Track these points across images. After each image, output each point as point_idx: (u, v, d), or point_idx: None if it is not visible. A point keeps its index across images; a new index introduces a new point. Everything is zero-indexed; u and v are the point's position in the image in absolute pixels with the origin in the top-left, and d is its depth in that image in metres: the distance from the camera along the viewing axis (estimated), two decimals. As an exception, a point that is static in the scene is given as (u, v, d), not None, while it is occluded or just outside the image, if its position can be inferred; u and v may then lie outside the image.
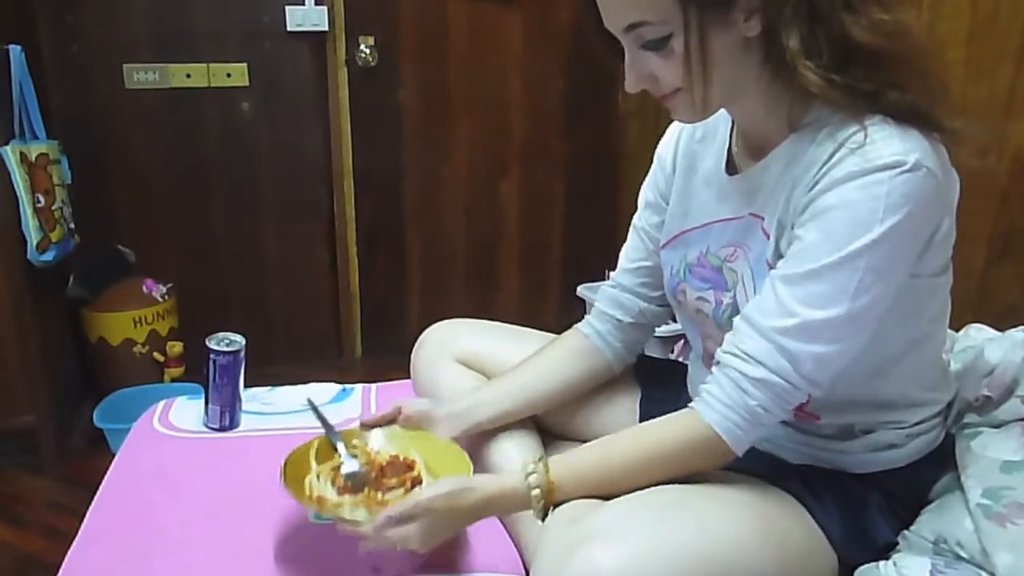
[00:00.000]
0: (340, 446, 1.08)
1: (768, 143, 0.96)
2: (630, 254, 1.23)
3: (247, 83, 2.66)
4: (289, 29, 2.62)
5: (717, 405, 0.89)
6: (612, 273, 1.26)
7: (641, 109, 2.94)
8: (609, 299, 1.23)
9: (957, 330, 1.22)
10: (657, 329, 1.27)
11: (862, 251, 0.83)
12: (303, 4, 2.61)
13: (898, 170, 0.82)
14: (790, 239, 0.90)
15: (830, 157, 0.86)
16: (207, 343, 1.35)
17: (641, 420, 1.22)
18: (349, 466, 1.06)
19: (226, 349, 1.34)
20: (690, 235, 1.08)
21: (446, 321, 1.39)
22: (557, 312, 3.18)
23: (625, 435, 0.97)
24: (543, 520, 0.94)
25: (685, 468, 0.94)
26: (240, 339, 1.37)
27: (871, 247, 0.82)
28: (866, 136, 0.83)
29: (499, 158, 3.00)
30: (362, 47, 2.72)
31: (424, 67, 2.87)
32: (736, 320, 0.92)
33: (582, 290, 2.83)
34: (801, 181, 0.89)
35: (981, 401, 1.02)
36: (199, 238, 2.76)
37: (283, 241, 2.84)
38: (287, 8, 2.60)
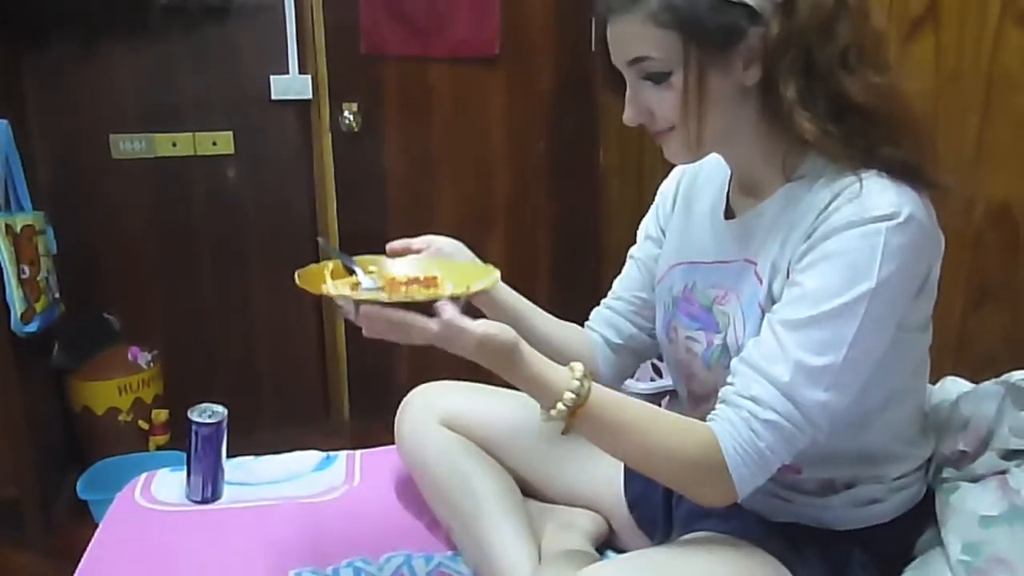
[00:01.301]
0: (357, 268, 1.01)
1: (763, 191, 0.99)
2: (625, 282, 1.24)
3: (232, 150, 2.69)
4: (274, 98, 2.67)
5: (729, 439, 0.87)
6: (604, 299, 1.27)
7: (623, 167, 2.99)
8: (601, 319, 1.24)
9: (934, 382, 1.23)
10: (642, 386, 1.28)
11: (861, 299, 0.85)
12: (287, 73, 2.66)
13: (894, 222, 0.85)
14: (784, 284, 0.92)
15: (827, 206, 0.89)
16: (189, 415, 1.34)
17: (626, 482, 1.22)
18: (367, 284, 0.98)
19: (208, 421, 1.34)
20: (679, 269, 1.10)
21: (430, 383, 1.39)
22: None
23: (644, 415, 0.93)
24: (545, 420, 0.91)
25: (681, 480, 0.93)
26: (222, 410, 1.37)
27: (869, 296, 0.85)
28: (862, 187, 0.87)
29: (483, 217, 3.03)
30: (346, 113, 2.76)
31: (408, 130, 2.91)
32: (737, 364, 0.92)
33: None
34: (797, 227, 0.92)
35: (957, 455, 1.02)
36: (185, 303, 2.76)
37: (270, 305, 2.84)
38: (272, 78, 2.65)
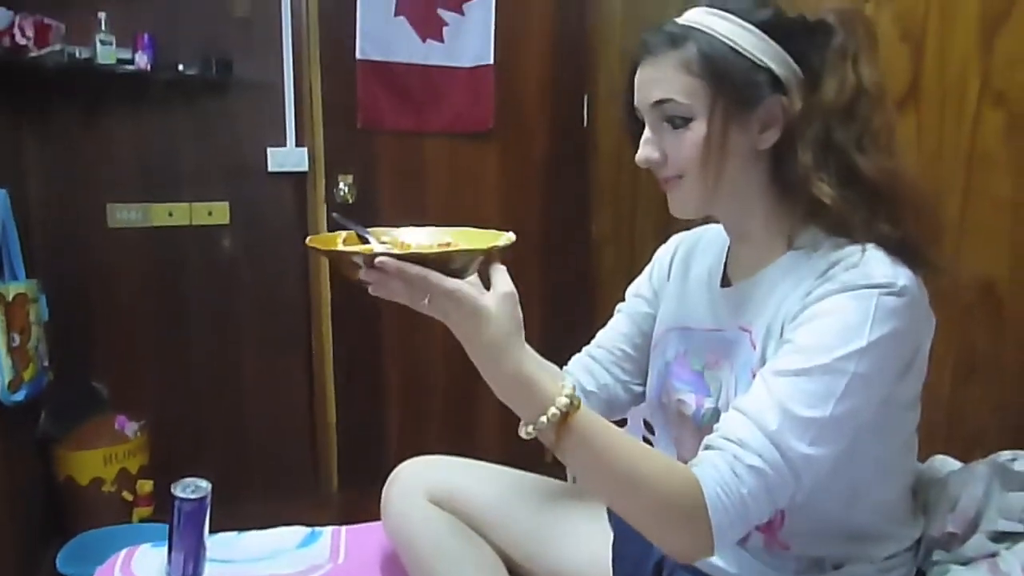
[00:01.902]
0: (370, 237, 0.97)
1: (762, 260, 1.01)
2: (608, 334, 1.25)
3: (228, 221, 2.72)
4: (271, 170, 2.71)
5: (712, 482, 0.84)
6: (586, 347, 1.28)
7: (616, 236, 3.02)
8: (580, 364, 1.25)
9: (924, 460, 1.22)
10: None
11: (851, 357, 0.86)
12: (284, 146, 2.71)
13: (887, 290, 0.87)
14: (776, 344, 0.93)
15: (824, 272, 0.91)
16: (172, 490, 1.32)
17: (614, 560, 1.20)
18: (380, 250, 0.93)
19: (191, 496, 1.31)
20: (674, 334, 1.11)
21: (419, 458, 1.37)
22: (537, 443, 3.14)
23: (631, 442, 0.88)
24: (526, 436, 0.86)
25: (659, 521, 0.86)
26: (206, 485, 1.35)
27: (859, 355, 0.86)
28: (863, 256, 0.90)
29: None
30: (341, 184, 2.81)
31: (402, 201, 2.95)
32: (725, 412, 0.92)
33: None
34: (793, 293, 0.93)
35: (947, 537, 1.01)
36: (176, 373, 2.75)
37: (260, 374, 2.83)
38: (269, 150, 2.70)
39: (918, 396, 1.00)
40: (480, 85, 2.95)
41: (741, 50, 0.93)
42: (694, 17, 0.97)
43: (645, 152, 0.99)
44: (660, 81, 0.96)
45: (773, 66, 0.94)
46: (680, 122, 0.95)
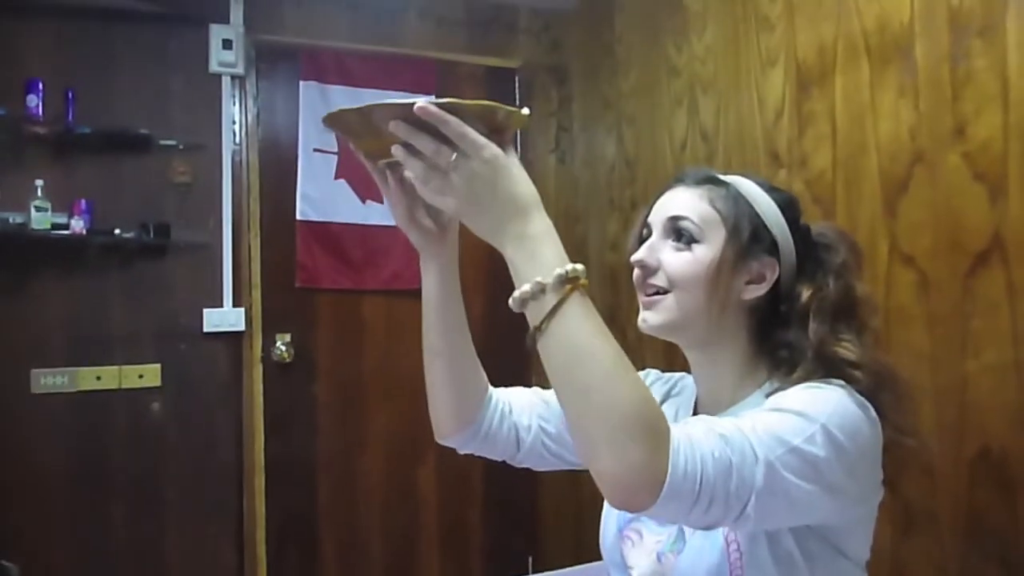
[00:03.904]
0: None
1: (722, 403, 1.04)
2: (543, 394, 1.18)
3: (159, 383, 2.65)
4: (206, 330, 2.68)
5: (677, 430, 0.78)
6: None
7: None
8: (505, 391, 1.19)
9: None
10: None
11: (820, 414, 0.86)
12: (221, 306, 2.70)
13: (855, 395, 0.91)
14: None
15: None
16: None
17: None
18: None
19: None
20: None
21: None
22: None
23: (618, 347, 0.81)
24: (520, 299, 0.79)
25: (624, 421, 0.77)
26: None
27: (829, 416, 0.86)
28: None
29: (415, 444, 2.99)
30: (278, 344, 2.79)
31: (340, 360, 2.94)
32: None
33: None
34: None
35: None
36: (95, 547, 2.58)
37: (186, 546, 2.68)
38: (205, 311, 2.68)
39: (866, 559, 0.99)
40: (418, 244, 3.01)
41: (759, 210, 1.03)
42: (730, 174, 1.08)
43: (645, 253, 1.03)
44: (685, 202, 1.03)
45: (776, 234, 1.02)
46: (686, 240, 1.01)
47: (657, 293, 1.02)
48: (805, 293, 1.01)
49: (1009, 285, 1.48)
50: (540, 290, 0.78)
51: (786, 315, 1.02)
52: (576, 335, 0.79)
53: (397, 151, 0.82)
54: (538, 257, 0.80)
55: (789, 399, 0.90)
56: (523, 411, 1.16)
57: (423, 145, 0.79)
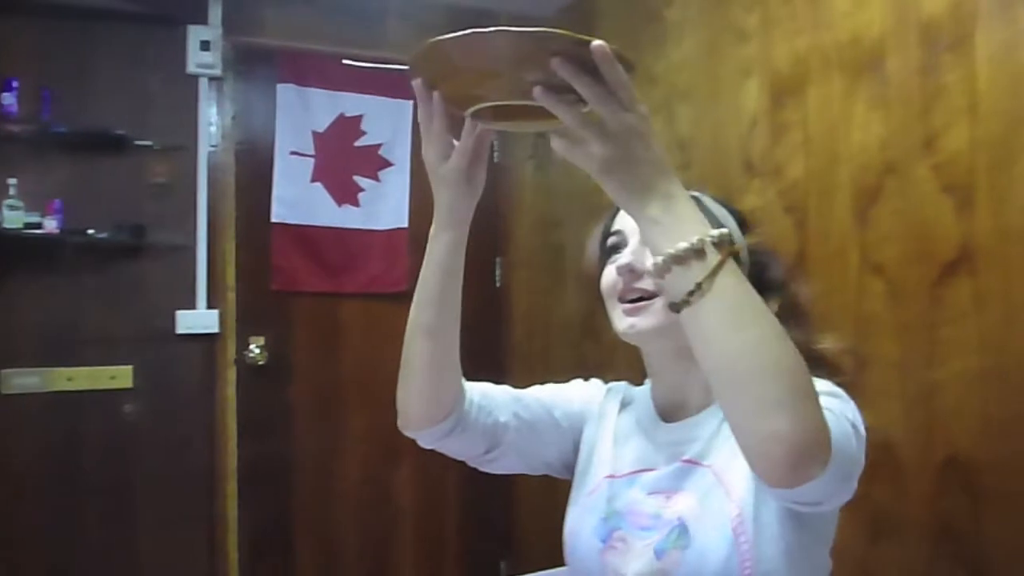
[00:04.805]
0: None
1: (694, 405, 1.05)
2: (516, 391, 1.16)
3: (131, 385, 2.63)
4: (179, 332, 2.66)
5: None
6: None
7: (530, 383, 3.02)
8: (478, 386, 1.14)
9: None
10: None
11: (844, 398, 0.88)
12: (195, 308, 2.68)
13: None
14: None
15: None
16: None
17: None
18: None
19: None
20: (617, 481, 1.09)
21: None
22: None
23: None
24: (673, 264, 0.75)
25: (794, 382, 0.76)
26: None
27: (845, 401, 0.88)
28: None
29: (392, 450, 2.98)
30: (252, 346, 2.77)
31: (316, 363, 2.92)
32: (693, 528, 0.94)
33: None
34: None
35: None
36: (65, 551, 2.55)
37: (157, 550, 2.65)
38: (177, 313, 2.66)
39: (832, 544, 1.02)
40: (395, 248, 3.01)
41: (723, 222, 1.04)
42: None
43: (632, 258, 1.02)
44: None
45: (739, 243, 1.03)
46: None
47: (641, 299, 1.03)
48: (772, 301, 1.03)
49: (976, 295, 1.51)
50: (700, 248, 0.75)
51: None
52: (742, 292, 0.77)
53: (541, 94, 0.74)
54: (686, 218, 0.77)
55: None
56: (500, 406, 1.12)
57: (590, 91, 0.74)
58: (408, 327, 1.02)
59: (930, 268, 1.59)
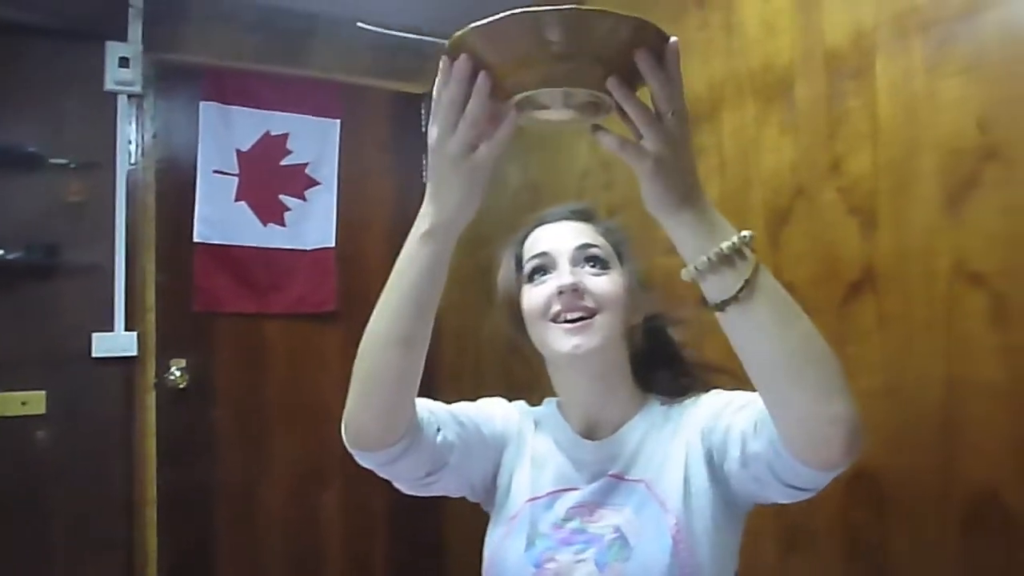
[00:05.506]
0: None
1: (624, 416, 1.09)
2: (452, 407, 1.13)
3: (44, 411, 2.53)
4: (95, 355, 2.58)
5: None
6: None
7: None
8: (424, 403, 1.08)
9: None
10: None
11: None
12: (112, 330, 2.60)
13: None
14: (712, 448, 0.99)
15: (683, 411, 1.06)
16: None
17: None
18: None
19: None
20: (539, 503, 1.09)
21: None
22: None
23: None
24: (719, 264, 0.76)
25: (835, 374, 0.79)
26: None
27: None
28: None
29: (320, 473, 2.94)
30: (173, 369, 2.70)
31: (240, 385, 2.87)
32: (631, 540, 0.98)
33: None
34: (678, 433, 1.04)
35: None
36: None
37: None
38: (94, 335, 2.58)
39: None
40: (322, 267, 2.98)
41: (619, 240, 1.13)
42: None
43: (571, 279, 1.05)
44: (582, 231, 1.11)
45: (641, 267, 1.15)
46: (601, 266, 1.08)
47: (582, 318, 1.04)
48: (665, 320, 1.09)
49: (879, 314, 1.57)
50: (740, 248, 0.77)
51: (658, 337, 1.13)
52: (781, 288, 0.79)
53: (615, 86, 0.73)
54: (718, 221, 0.79)
55: (728, 395, 1.01)
56: (445, 424, 1.07)
57: (664, 87, 0.74)
58: (373, 338, 0.95)
59: (837, 288, 1.64)
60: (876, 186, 1.58)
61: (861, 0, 1.60)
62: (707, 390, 1.08)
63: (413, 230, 0.88)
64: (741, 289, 0.76)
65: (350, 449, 0.99)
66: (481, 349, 3.05)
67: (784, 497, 0.91)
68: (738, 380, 0.99)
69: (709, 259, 0.76)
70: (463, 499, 1.20)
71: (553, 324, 1.05)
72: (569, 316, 1.04)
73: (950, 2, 1.43)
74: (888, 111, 1.56)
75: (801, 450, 0.81)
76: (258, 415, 2.90)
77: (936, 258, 1.46)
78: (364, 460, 1.00)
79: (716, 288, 0.78)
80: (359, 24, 2.95)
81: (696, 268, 0.77)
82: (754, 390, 0.86)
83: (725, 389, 1.05)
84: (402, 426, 0.98)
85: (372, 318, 0.93)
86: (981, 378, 1.39)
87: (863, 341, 1.59)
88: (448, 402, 1.14)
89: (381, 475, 1.03)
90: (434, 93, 0.80)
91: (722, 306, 0.77)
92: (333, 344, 3.00)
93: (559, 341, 1.04)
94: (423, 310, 0.92)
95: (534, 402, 1.25)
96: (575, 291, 1.04)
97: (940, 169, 1.45)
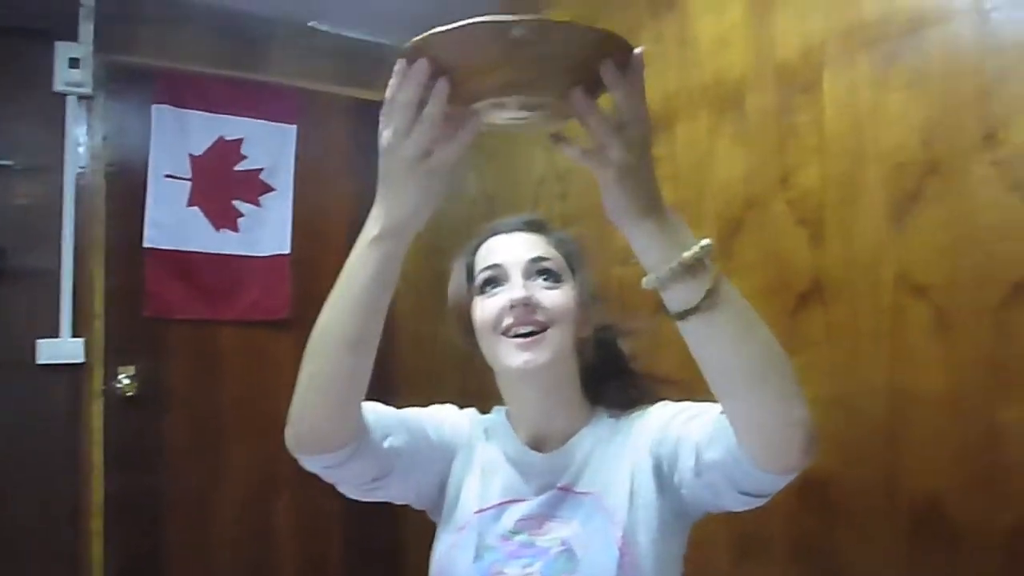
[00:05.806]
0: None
1: (572, 428, 1.10)
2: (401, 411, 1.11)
3: (-15, 419, 2.47)
4: (40, 362, 2.51)
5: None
6: None
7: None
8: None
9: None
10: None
11: None
12: (58, 336, 2.54)
13: None
14: (661, 459, 0.99)
15: (633, 423, 1.06)
16: None
17: None
18: None
19: None
20: (486, 514, 1.08)
21: None
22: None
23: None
24: (683, 274, 0.75)
25: (792, 381, 0.80)
26: None
27: None
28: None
29: (273, 481, 2.89)
30: (121, 376, 2.64)
31: (192, 392, 2.82)
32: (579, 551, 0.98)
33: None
34: (626, 445, 1.04)
35: None
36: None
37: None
38: (39, 342, 2.51)
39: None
40: (277, 274, 2.94)
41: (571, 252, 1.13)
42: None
43: (523, 292, 1.04)
44: (535, 243, 1.10)
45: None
46: (553, 279, 1.07)
47: (533, 332, 1.04)
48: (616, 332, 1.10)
49: (827, 324, 1.60)
50: (702, 257, 0.76)
51: (608, 350, 1.14)
52: (741, 296, 0.80)
53: (579, 96, 0.73)
54: (680, 230, 0.78)
55: (676, 407, 1.02)
56: (393, 428, 1.05)
57: (627, 97, 0.74)
58: (322, 339, 0.91)
59: (787, 298, 1.68)
60: (824, 199, 1.61)
61: (811, 16, 1.64)
62: (655, 402, 1.08)
63: (363, 233, 0.86)
64: (704, 298, 0.76)
65: (294, 453, 0.97)
66: (437, 355, 3.04)
67: (738, 504, 0.91)
68: (687, 391, 1.00)
69: (672, 269, 0.76)
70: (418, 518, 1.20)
71: (504, 338, 1.05)
72: (520, 330, 1.04)
73: (895, 19, 1.47)
74: (835, 125, 1.59)
75: (761, 455, 0.82)
76: (211, 422, 2.85)
77: (881, 270, 1.49)
78: (309, 464, 0.98)
79: (679, 298, 0.77)
80: (311, 24, 2.93)
81: (659, 277, 0.77)
82: (703, 400, 0.86)
83: (672, 400, 1.05)
84: (349, 430, 0.96)
85: (320, 319, 0.91)
86: (924, 388, 1.42)
87: (812, 351, 1.62)
88: (404, 407, 1.13)
89: (326, 479, 1.02)
90: (387, 94, 0.79)
91: (684, 315, 0.78)
92: (287, 351, 2.96)
93: (510, 356, 1.04)
94: (373, 312, 0.89)
95: (490, 408, 1.25)
96: (527, 305, 1.04)
97: (885, 182, 1.49)
